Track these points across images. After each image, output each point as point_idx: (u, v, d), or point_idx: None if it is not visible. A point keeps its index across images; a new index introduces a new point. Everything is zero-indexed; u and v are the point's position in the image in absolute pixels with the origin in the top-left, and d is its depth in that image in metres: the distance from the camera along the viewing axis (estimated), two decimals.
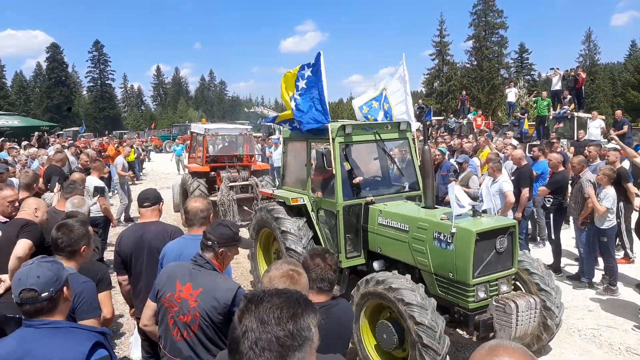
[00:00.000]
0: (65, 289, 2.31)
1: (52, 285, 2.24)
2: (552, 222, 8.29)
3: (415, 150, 6.73)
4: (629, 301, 7.09)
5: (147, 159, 28.82)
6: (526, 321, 4.73)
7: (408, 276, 4.89)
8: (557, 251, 8.22)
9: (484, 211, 5.36)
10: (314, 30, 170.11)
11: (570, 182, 8.79)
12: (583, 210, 7.46)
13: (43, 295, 2.20)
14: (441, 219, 5.04)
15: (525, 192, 8.11)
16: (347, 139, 6.21)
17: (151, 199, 4.31)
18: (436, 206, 5.78)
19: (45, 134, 26.00)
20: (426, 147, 5.78)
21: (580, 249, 7.75)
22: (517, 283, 5.43)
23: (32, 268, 2.25)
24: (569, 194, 8.25)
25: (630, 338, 6.04)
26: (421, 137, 7.03)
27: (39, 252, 3.97)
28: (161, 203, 4.42)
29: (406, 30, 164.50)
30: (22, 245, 4.00)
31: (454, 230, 4.76)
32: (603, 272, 7.61)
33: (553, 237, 8.31)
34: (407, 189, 6.65)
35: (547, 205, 8.27)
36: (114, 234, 11.22)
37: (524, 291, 5.27)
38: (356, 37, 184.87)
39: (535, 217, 9.44)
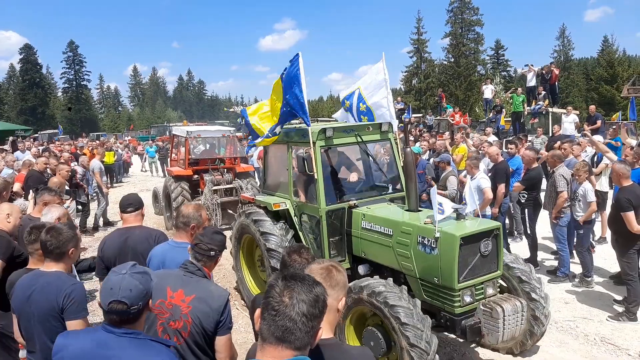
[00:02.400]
0: (150, 300, 2.34)
1: (142, 299, 2.26)
2: (527, 217, 8.46)
3: (398, 151, 6.68)
4: (604, 292, 7.31)
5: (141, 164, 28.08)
6: (513, 325, 4.73)
7: (390, 280, 4.84)
8: (534, 245, 8.41)
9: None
10: (292, 28, 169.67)
11: (548, 176, 8.98)
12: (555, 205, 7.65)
13: (132, 308, 2.22)
14: (425, 223, 4.97)
15: (501, 188, 8.28)
16: (328, 142, 6.09)
17: (134, 204, 4.32)
18: (420, 208, 5.72)
19: (20, 138, 25.54)
20: (408, 149, 5.70)
21: (556, 243, 7.94)
22: (503, 283, 5.43)
23: (124, 279, 2.24)
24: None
25: (605, 328, 6.24)
26: (402, 136, 6.99)
27: (9, 265, 3.97)
28: (143, 207, 4.44)
29: (385, 28, 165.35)
30: None
31: (437, 234, 4.70)
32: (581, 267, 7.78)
33: (529, 231, 8.49)
34: (390, 190, 6.59)
35: (522, 201, 8.44)
36: (95, 238, 11.16)
37: (510, 294, 5.24)
38: (335, 35, 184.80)
39: (512, 212, 9.63)
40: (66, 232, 3.28)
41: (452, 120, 21.96)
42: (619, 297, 6.90)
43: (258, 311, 1.77)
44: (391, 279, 4.89)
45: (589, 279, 7.50)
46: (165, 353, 2.29)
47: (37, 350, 3.16)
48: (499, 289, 5.16)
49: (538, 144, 15.56)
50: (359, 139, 6.33)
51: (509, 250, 6.62)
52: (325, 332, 2.09)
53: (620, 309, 6.60)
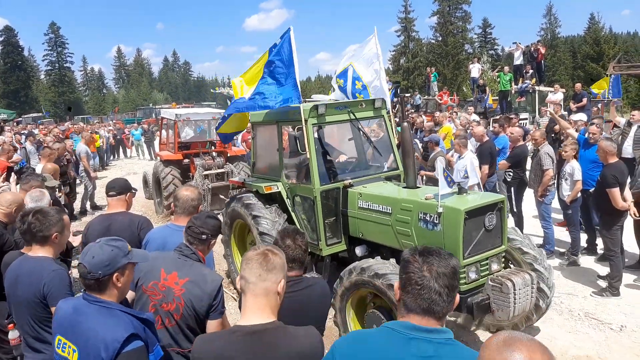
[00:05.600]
0: (116, 275, 2.42)
1: (102, 269, 2.36)
2: (513, 196, 8.54)
3: (392, 128, 6.53)
4: (588, 268, 7.45)
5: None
6: (524, 299, 4.60)
7: (392, 260, 4.73)
8: (520, 223, 8.51)
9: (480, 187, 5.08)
10: (279, 7, 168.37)
11: (531, 155, 9.05)
12: (541, 183, 7.73)
13: (90, 275, 2.36)
14: (426, 199, 4.83)
15: (485, 169, 8.36)
16: (321, 119, 5.89)
17: (117, 188, 4.22)
18: (418, 185, 5.57)
19: (2, 123, 25.13)
20: (405, 124, 5.54)
21: (541, 221, 8.03)
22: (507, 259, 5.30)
23: (93, 247, 2.43)
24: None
25: (589, 304, 6.38)
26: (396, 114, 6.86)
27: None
28: (128, 194, 4.30)
29: (372, 7, 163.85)
30: None
31: (440, 209, 4.56)
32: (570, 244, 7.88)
33: (515, 209, 8.58)
34: (385, 169, 6.42)
35: (508, 180, 8.50)
36: (83, 222, 11.08)
37: (517, 267, 5.12)
38: (322, 14, 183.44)
39: (498, 190, 9.70)
40: (52, 216, 3.29)
41: (440, 100, 21.94)
42: (602, 273, 7.02)
43: (397, 283, 1.93)
44: (394, 259, 4.77)
45: (576, 256, 7.61)
46: (124, 325, 2.32)
47: (26, 330, 3.21)
48: (503, 265, 5.07)
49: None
50: (352, 116, 6.16)
51: None
52: (267, 316, 2.11)
53: (603, 284, 6.74)
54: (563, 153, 7.65)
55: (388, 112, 6.55)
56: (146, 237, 3.79)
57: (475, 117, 15.39)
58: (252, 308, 2.10)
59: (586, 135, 8.12)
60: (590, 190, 7.25)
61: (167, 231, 3.78)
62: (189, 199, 3.75)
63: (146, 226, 4.13)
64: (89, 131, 19.01)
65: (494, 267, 4.87)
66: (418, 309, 1.81)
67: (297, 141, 5.71)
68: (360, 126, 6.48)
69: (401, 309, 1.88)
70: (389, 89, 23.26)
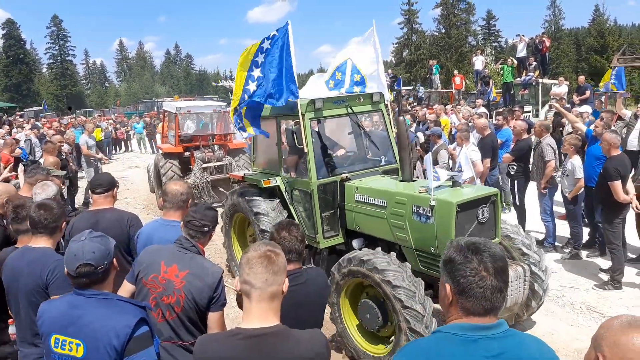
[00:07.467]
0: (114, 260, 2.51)
1: (106, 259, 2.43)
2: (516, 189, 8.51)
3: (390, 122, 6.52)
4: (590, 261, 7.43)
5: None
6: (516, 291, 4.68)
7: (393, 255, 4.73)
8: (522, 216, 8.47)
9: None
10: None
11: (533, 148, 9.00)
12: (544, 175, 7.68)
13: (99, 269, 2.39)
14: (419, 192, 4.89)
15: (487, 162, 8.31)
16: (318, 114, 5.90)
17: (104, 185, 4.18)
18: (414, 179, 5.62)
19: (5, 115, 25.15)
20: (401, 118, 5.60)
21: (541, 214, 7.99)
22: None
23: (85, 244, 2.40)
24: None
25: (591, 297, 6.36)
26: (396, 108, 6.77)
27: None
28: (115, 189, 4.30)
29: None
30: None
31: (433, 203, 4.63)
32: (569, 237, 7.87)
33: (518, 203, 8.54)
34: (383, 162, 6.45)
35: (511, 172, 8.46)
36: None
37: (510, 260, 5.14)
38: (325, 7, 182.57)
39: (501, 183, 9.66)
40: (57, 206, 3.37)
41: (453, 84, 21.97)
42: (604, 266, 7.00)
43: (448, 287, 1.79)
44: (394, 253, 4.79)
45: (578, 250, 7.58)
46: (132, 312, 2.38)
47: (24, 324, 3.21)
48: None
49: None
50: (350, 110, 6.15)
51: None
52: (270, 319, 2.06)
53: (606, 277, 6.72)
54: (563, 148, 7.59)
55: (386, 106, 6.52)
56: (138, 232, 3.80)
57: (483, 109, 15.31)
58: (256, 311, 2.06)
59: (591, 127, 8.05)
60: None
61: (154, 225, 3.80)
62: (178, 193, 3.74)
63: (135, 223, 4.10)
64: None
65: None
66: (481, 310, 1.73)
67: (295, 136, 5.70)
68: (358, 120, 6.45)
69: (457, 312, 1.78)
70: (395, 76, 23.18)
